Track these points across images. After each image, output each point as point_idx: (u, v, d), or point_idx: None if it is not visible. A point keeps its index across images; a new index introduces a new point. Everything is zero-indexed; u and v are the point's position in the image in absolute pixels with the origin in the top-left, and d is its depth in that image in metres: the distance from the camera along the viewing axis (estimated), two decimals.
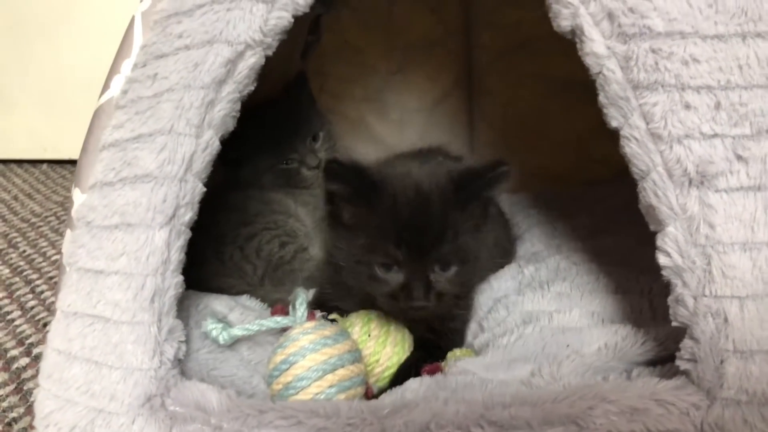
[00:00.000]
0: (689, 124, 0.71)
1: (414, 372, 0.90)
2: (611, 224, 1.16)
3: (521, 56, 1.45)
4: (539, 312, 0.96)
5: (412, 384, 0.85)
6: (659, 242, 0.74)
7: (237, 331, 0.86)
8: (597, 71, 0.75)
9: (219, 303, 0.96)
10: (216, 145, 0.82)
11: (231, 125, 0.84)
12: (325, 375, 0.80)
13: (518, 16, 1.37)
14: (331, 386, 0.80)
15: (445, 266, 0.86)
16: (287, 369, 0.80)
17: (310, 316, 0.89)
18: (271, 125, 1.27)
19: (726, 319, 0.70)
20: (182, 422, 0.75)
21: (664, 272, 0.74)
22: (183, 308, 0.90)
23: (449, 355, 0.95)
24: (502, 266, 1.15)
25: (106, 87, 0.91)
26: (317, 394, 0.79)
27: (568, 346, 0.88)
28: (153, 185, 0.79)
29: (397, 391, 0.84)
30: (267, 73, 1.34)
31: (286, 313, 0.95)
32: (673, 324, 0.74)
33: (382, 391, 0.89)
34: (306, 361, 0.80)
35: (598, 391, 0.72)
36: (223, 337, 0.85)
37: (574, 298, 0.98)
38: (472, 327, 1.01)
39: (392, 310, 0.91)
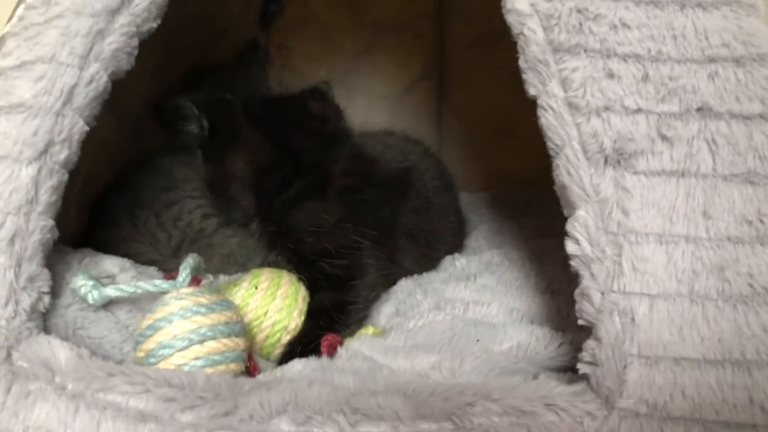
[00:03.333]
0: (611, 95, 0.63)
1: (307, 345, 0.82)
2: (560, 227, 1.08)
3: (493, 48, 1.36)
4: (455, 300, 0.88)
5: (296, 365, 0.77)
6: (568, 227, 0.66)
7: (110, 291, 0.78)
8: (518, 31, 0.68)
9: (110, 261, 0.88)
10: (104, 82, 0.75)
11: (125, 63, 0.77)
12: (191, 345, 0.71)
13: (491, 5, 1.30)
14: (196, 358, 0.71)
15: None
16: (152, 335, 0.72)
17: (194, 282, 0.81)
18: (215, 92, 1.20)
19: (633, 319, 0.61)
20: (24, 379, 0.67)
21: (572, 262, 0.66)
22: (63, 261, 0.83)
23: (358, 333, 0.87)
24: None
25: (11, 16, 0.84)
26: (181, 365, 0.71)
27: (478, 340, 0.79)
28: (26, 116, 0.72)
29: (278, 371, 0.76)
30: (217, 36, 1.28)
31: None
32: (579, 322, 0.66)
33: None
34: (172, 328, 0.72)
35: (481, 388, 0.63)
36: (92, 296, 0.77)
37: (497, 293, 0.90)
38: (388, 309, 0.93)
39: None
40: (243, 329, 0.77)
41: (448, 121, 1.49)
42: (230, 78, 1.22)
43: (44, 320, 0.75)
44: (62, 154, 0.73)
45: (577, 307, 0.65)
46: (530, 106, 1.36)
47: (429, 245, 1.06)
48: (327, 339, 0.82)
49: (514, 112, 1.41)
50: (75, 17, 0.73)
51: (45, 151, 0.72)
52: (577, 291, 0.65)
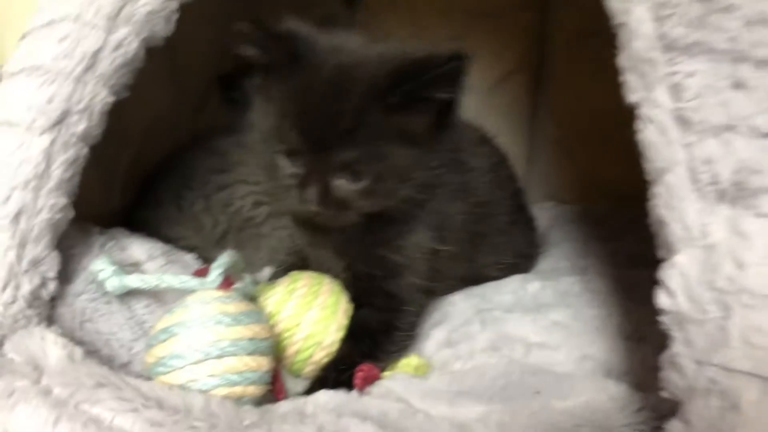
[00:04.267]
0: (737, 112, 0.49)
1: (343, 373, 0.72)
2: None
3: (602, 42, 1.20)
4: (517, 339, 0.74)
5: (322, 396, 0.66)
6: (663, 274, 0.52)
7: (131, 281, 0.70)
8: (620, 21, 0.54)
9: (139, 246, 0.80)
10: (134, 48, 0.66)
11: (162, 29, 0.68)
12: (206, 360, 0.62)
13: None
14: (211, 375, 0.62)
15: (355, 176, 0.70)
16: (165, 341, 0.63)
17: (226, 284, 0.71)
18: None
19: (737, 406, 0.47)
20: (11, 375, 0.60)
21: (662, 318, 0.52)
22: (85, 242, 0.75)
23: (401, 363, 0.76)
24: (508, 271, 0.95)
25: None
26: (191, 380, 0.62)
27: (537, 393, 0.66)
28: (42, 81, 0.64)
29: (300, 402, 0.65)
30: (304, 7, 1.19)
31: None
32: (662, 394, 0.52)
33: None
34: (188, 337, 0.62)
35: None
36: (111, 283, 0.69)
37: (571, 332, 0.76)
38: (439, 335, 0.80)
39: (292, 210, 0.78)
40: (270, 347, 0.67)
41: (541, 120, 1.34)
42: None
43: (51, 308, 0.68)
44: (80, 125, 0.65)
45: (663, 375, 0.51)
46: None
47: (475, 246, 0.91)
48: (363, 370, 0.71)
49: (620, 115, 1.25)
50: None
51: (61, 121, 0.64)
52: (664, 356, 0.51)
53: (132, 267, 0.77)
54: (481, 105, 1.33)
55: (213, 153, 1.02)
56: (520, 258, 0.99)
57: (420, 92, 0.68)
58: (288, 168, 0.72)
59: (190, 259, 0.88)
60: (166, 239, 0.92)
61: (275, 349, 0.70)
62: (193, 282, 0.71)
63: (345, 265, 0.80)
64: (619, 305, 0.81)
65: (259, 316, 0.68)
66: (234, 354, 0.63)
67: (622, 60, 0.54)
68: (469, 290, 0.89)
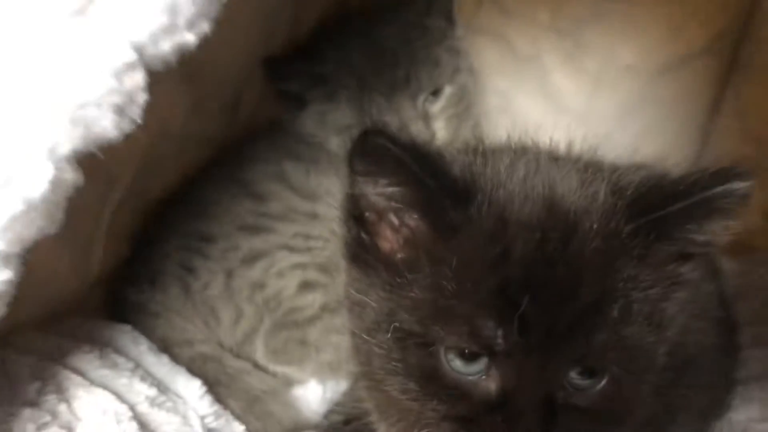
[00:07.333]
0: None
1: None
2: None
3: None
4: None
5: None
6: None
7: None
8: None
9: (100, 418, 0.46)
10: (47, 182, 0.30)
11: (111, 127, 0.32)
12: None
13: None
14: None
15: (589, 371, 0.43)
16: None
17: None
18: (366, 56, 0.73)
19: None
20: None
21: None
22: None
23: None
24: None
25: None
26: None
27: None
28: None
29: None
30: None
31: None
32: None
33: None
34: None
35: None
36: None
37: None
38: None
39: None
40: None
41: (724, 125, 0.95)
42: (386, 34, 0.74)
43: None
44: None
45: None
46: None
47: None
48: None
49: None
50: None
51: None
52: None
53: None
54: (641, 94, 0.97)
55: (244, 192, 0.67)
56: (716, 414, 0.63)
57: (679, 226, 0.43)
58: (467, 376, 0.43)
59: (193, 407, 0.55)
60: (163, 342, 0.60)
61: None
62: None
63: None
64: None
65: None
66: None
67: None
68: None
